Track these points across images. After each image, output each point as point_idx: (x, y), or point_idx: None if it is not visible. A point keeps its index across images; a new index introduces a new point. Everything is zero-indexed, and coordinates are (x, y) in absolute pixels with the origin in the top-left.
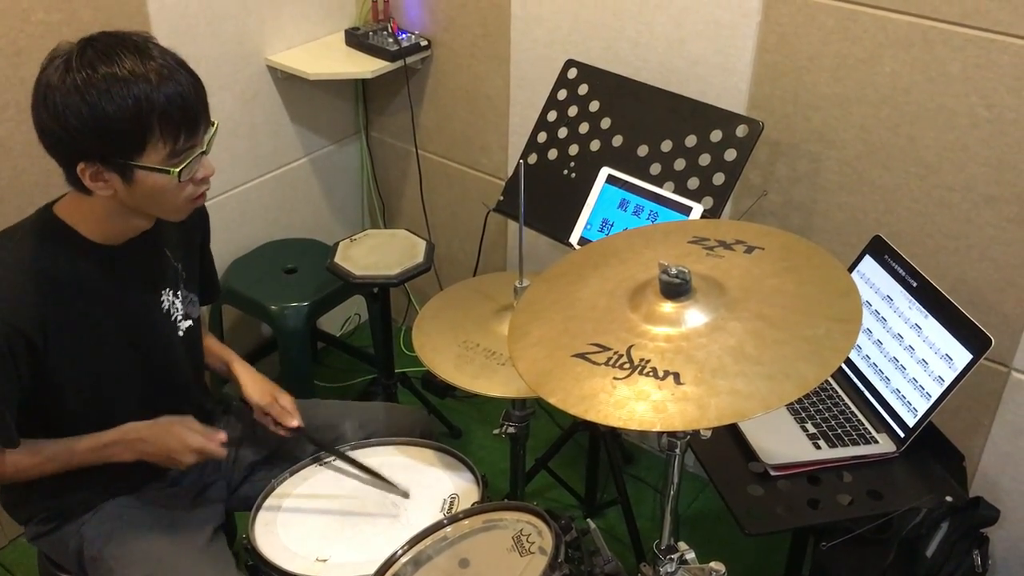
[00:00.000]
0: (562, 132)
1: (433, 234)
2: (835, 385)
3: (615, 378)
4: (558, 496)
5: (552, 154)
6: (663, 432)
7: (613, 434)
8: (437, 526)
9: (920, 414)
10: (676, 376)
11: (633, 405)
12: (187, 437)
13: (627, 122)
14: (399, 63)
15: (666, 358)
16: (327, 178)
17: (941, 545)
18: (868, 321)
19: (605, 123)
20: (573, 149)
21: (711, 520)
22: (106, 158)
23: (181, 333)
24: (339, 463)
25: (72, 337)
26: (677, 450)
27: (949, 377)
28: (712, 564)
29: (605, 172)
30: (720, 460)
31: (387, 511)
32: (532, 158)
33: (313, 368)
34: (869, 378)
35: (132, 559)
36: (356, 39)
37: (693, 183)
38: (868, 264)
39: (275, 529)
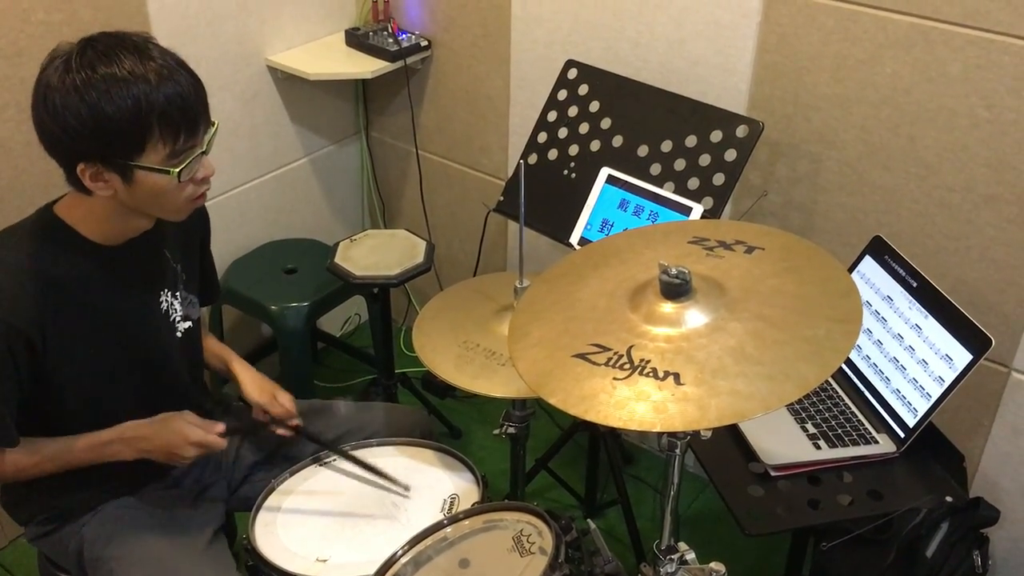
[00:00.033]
0: (562, 132)
1: (433, 234)
2: (835, 385)
3: (615, 378)
4: (558, 496)
5: (552, 154)
6: (663, 432)
7: (613, 434)
8: (437, 526)
9: (920, 414)
10: (676, 376)
11: (633, 405)
12: (185, 430)
13: (627, 122)
14: (399, 63)
15: (666, 358)
16: (327, 178)
17: (941, 545)
18: (868, 321)
19: (605, 123)
20: (573, 149)
21: (711, 520)
22: (106, 158)
23: (179, 334)
24: (339, 463)
25: (71, 337)
26: (677, 450)
27: (949, 377)
28: (712, 564)
29: (605, 172)
30: (720, 460)
31: (387, 511)
32: (532, 158)
33: (313, 368)
34: (869, 378)
35: (132, 560)
36: (356, 39)
37: (693, 183)
38: (868, 264)
39: (275, 529)
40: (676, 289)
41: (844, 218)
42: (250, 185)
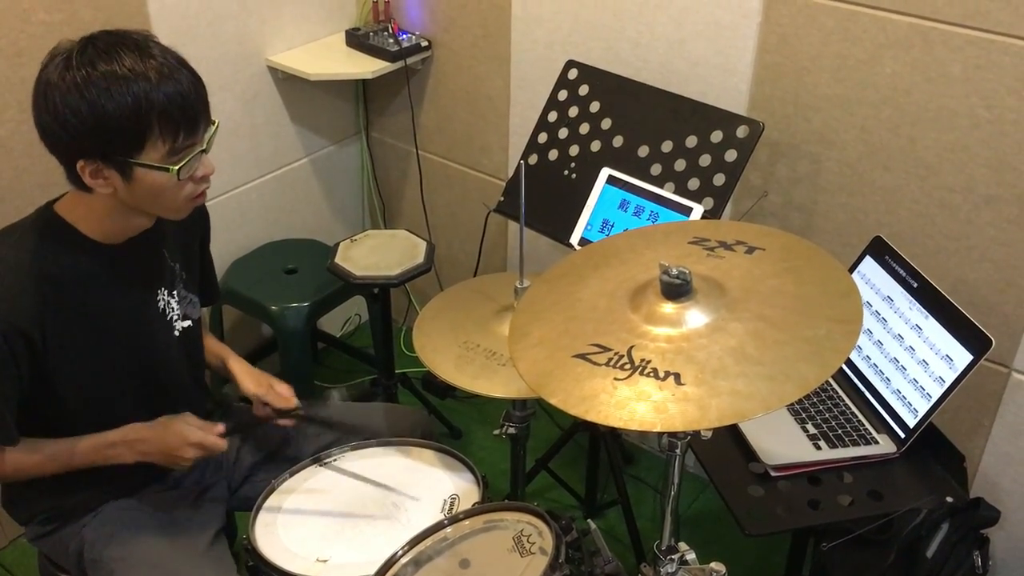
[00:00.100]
0: (563, 133)
1: (433, 234)
2: (835, 386)
3: (616, 379)
4: (558, 496)
5: (553, 155)
6: (664, 433)
7: (613, 434)
8: (437, 527)
9: (920, 415)
10: (677, 377)
11: (634, 406)
12: (185, 431)
13: (627, 123)
14: (399, 64)
15: (667, 359)
16: (327, 178)
17: (941, 546)
18: (869, 322)
19: (606, 124)
20: (574, 150)
21: (711, 521)
22: (106, 156)
23: (177, 333)
24: (339, 463)
25: (71, 335)
26: (677, 450)
27: (949, 378)
28: (712, 565)
29: (605, 173)
30: (720, 461)
31: (387, 512)
32: (533, 159)
33: (313, 369)
34: (870, 379)
35: (133, 562)
36: (357, 40)
37: (693, 184)
38: (869, 265)
39: (275, 530)
40: (677, 289)
41: (844, 218)
42: (250, 185)
